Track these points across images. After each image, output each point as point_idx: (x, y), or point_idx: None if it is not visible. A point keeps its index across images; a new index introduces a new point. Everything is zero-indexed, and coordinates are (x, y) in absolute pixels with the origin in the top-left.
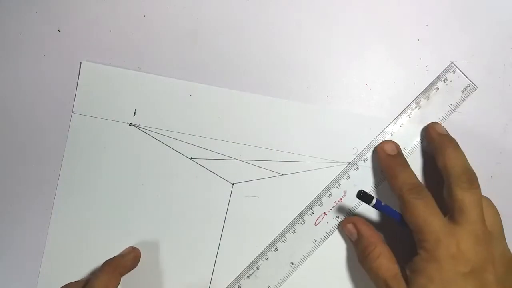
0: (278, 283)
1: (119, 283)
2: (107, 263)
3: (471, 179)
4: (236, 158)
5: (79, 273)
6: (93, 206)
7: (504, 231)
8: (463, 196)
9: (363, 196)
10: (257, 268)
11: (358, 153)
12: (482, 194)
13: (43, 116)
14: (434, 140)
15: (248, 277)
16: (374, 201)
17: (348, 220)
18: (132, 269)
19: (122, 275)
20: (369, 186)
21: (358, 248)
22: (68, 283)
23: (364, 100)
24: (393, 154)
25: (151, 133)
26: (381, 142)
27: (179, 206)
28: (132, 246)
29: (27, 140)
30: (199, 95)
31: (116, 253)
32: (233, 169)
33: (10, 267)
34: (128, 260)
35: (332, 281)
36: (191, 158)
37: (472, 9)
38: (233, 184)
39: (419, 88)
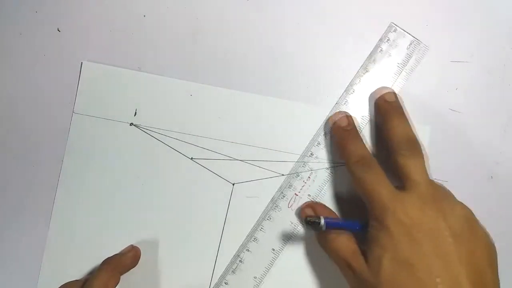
0: (264, 272)
1: (118, 282)
2: (107, 261)
3: (413, 147)
4: (237, 158)
5: (80, 273)
6: (94, 206)
7: (505, 231)
8: (406, 163)
9: (310, 223)
10: (240, 261)
11: (318, 128)
12: (481, 194)
13: (43, 116)
14: (380, 108)
15: (233, 271)
16: (322, 222)
17: (306, 205)
18: (131, 268)
19: (121, 274)
20: (333, 160)
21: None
22: (67, 282)
23: None
24: (343, 126)
25: (152, 133)
26: (334, 114)
27: (179, 206)
28: (132, 245)
29: (27, 140)
30: (199, 95)
31: (117, 253)
32: (233, 169)
33: (10, 267)
34: (127, 258)
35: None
36: (192, 158)
37: (472, 9)
38: (233, 184)
39: (419, 88)
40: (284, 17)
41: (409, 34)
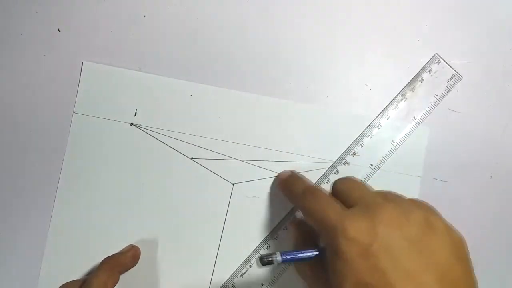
0: (272, 281)
1: (117, 282)
2: (106, 261)
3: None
4: (237, 158)
5: (80, 273)
6: (94, 206)
7: (505, 231)
8: (343, 185)
9: (265, 262)
10: (250, 266)
11: (346, 148)
12: (481, 194)
13: (44, 116)
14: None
15: (241, 275)
16: (279, 258)
17: (288, 175)
18: (131, 268)
19: (120, 273)
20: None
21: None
22: (67, 282)
23: (364, 100)
24: (285, 177)
25: (152, 133)
26: (277, 175)
27: (179, 206)
28: (131, 244)
29: (28, 140)
30: (199, 95)
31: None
32: (233, 169)
33: (10, 267)
34: (127, 258)
35: None
36: (192, 158)
37: (471, 9)
38: (233, 184)
39: (419, 88)
40: (284, 17)
41: (451, 67)
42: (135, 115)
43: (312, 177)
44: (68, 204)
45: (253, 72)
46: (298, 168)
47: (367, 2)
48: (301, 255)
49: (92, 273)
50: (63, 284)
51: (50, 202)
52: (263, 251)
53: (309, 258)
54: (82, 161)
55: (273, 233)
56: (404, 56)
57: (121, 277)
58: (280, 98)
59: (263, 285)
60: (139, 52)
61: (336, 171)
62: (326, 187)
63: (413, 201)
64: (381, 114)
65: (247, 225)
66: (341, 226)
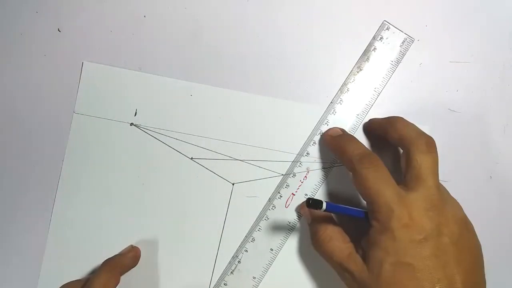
0: (262, 272)
1: (118, 282)
2: (107, 262)
3: (429, 142)
4: (236, 158)
5: (80, 273)
6: (94, 206)
7: (505, 231)
8: (422, 160)
9: (312, 204)
10: (239, 262)
11: (313, 128)
12: (481, 194)
13: (44, 116)
14: (381, 125)
15: (231, 272)
16: (324, 206)
17: (303, 204)
18: (131, 268)
19: (121, 274)
20: (329, 159)
21: (311, 231)
22: (68, 282)
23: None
24: (337, 135)
25: (152, 133)
26: (325, 131)
27: (179, 206)
28: (132, 245)
29: (28, 139)
30: (199, 95)
31: (117, 253)
32: (233, 169)
33: (10, 267)
34: (127, 258)
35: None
36: (192, 158)
37: (471, 9)
38: (233, 184)
39: (419, 88)
40: (283, 17)
41: (402, 31)
42: (135, 115)
43: (313, 177)
44: (68, 204)
45: (253, 72)
46: (298, 168)
47: (367, 2)
48: (347, 210)
49: (93, 274)
50: (64, 284)
51: (50, 202)
52: (249, 245)
53: (354, 215)
54: (82, 161)
55: (254, 225)
56: (406, 57)
57: (122, 277)
58: (280, 98)
59: (254, 278)
60: (139, 52)
61: (307, 153)
62: (300, 170)
63: (456, 202)
64: (340, 90)
65: (247, 225)
66: (398, 211)
